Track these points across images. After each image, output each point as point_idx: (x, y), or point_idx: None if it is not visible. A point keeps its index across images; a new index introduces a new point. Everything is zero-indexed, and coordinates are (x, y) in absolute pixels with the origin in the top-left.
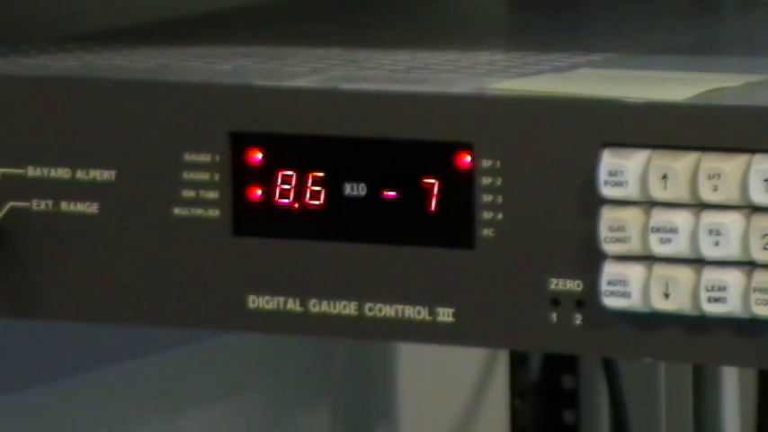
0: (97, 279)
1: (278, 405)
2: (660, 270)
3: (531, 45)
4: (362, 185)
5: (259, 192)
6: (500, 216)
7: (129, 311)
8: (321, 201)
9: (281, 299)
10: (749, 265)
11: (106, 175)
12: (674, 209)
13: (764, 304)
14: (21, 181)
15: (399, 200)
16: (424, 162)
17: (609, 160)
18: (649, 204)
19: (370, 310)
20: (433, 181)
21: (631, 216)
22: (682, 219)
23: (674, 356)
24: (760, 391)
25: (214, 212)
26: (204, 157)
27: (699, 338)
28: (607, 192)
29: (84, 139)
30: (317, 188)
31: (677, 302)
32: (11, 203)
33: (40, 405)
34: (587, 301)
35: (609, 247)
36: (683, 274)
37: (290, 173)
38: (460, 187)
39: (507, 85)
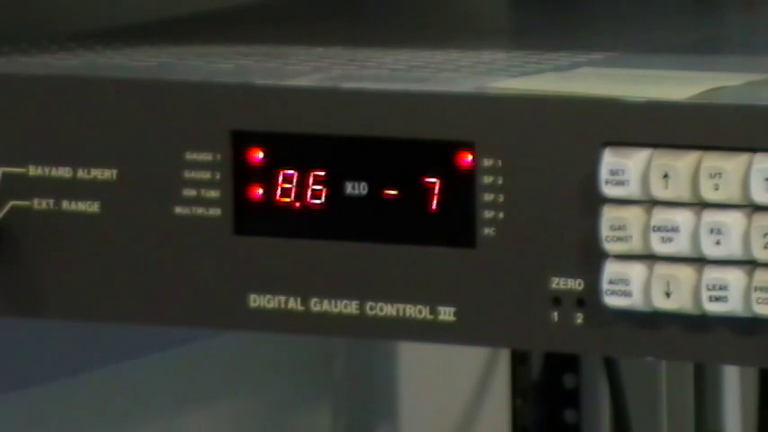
0: (98, 278)
1: (278, 405)
2: (661, 269)
3: (533, 44)
4: (364, 184)
5: (260, 191)
6: (501, 215)
7: (129, 311)
8: (322, 200)
9: (282, 298)
10: (750, 264)
11: (107, 174)
12: (675, 208)
13: (766, 303)
14: (22, 180)
15: (400, 199)
16: (426, 161)
17: (610, 159)
18: (650, 203)
19: (372, 309)
20: (434, 180)
21: (632, 215)
22: (683, 218)
23: (676, 355)
24: (761, 390)
25: (215, 211)
26: (205, 156)
27: (700, 337)
28: (608, 191)
29: (86, 138)
30: (319, 187)
31: (678, 301)
32: (12, 202)
33: (40, 405)
34: (588, 300)
35: (610, 246)
36: (685, 273)
37: (291, 172)
38: (462, 186)
39: (508, 84)
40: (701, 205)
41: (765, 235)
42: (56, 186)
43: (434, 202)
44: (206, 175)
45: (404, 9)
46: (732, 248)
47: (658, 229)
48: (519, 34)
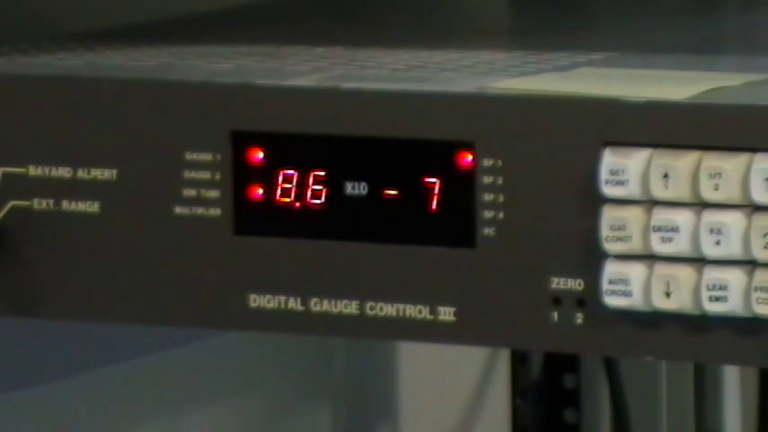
0: (98, 278)
1: (278, 405)
2: (661, 269)
3: (532, 44)
4: (364, 184)
5: (260, 191)
6: (501, 215)
7: (129, 311)
8: (322, 200)
9: (283, 298)
10: (750, 264)
11: (107, 174)
12: (675, 208)
13: (765, 303)
14: (22, 180)
15: (400, 199)
16: (426, 161)
17: (610, 159)
18: (650, 203)
19: (372, 309)
20: (434, 180)
21: (632, 215)
22: (683, 218)
23: (676, 355)
24: (761, 390)
25: (215, 211)
26: (205, 156)
27: (700, 337)
28: (608, 191)
29: (86, 138)
30: (319, 187)
31: (678, 301)
32: (12, 202)
33: (40, 405)
34: (588, 300)
35: (610, 246)
36: (685, 273)
37: (291, 172)
38: (462, 186)
39: (508, 84)
40: (701, 205)
41: (765, 235)
42: (56, 186)
43: (434, 202)
44: (206, 175)
45: (404, 9)
46: (732, 248)
47: (658, 229)
48: (519, 34)
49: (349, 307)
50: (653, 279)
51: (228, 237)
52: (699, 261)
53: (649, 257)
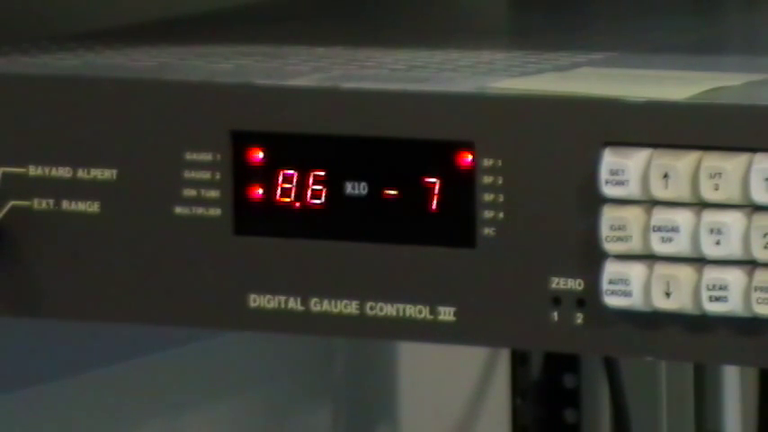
0: (98, 278)
1: (278, 405)
2: (661, 269)
3: (532, 44)
4: (364, 184)
5: (260, 191)
6: (501, 215)
7: (129, 311)
8: (322, 200)
9: (282, 298)
10: (750, 264)
11: (107, 174)
12: (675, 208)
13: (766, 303)
14: (22, 180)
15: (400, 199)
16: (426, 161)
17: (610, 159)
18: (650, 203)
19: (372, 309)
20: (434, 180)
21: (632, 215)
22: (683, 218)
23: (676, 355)
24: (761, 390)
25: (215, 211)
26: (205, 156)
27: (700, 337)
28: (608, 191)
29: (86, 138)
30: (319, 187)
31: (678, 301)
32: (12, 202)
33: (40, 404)
34: (588, 300)
35: (610, 246)
36: (685, 273)
37: (291, 172)
38: (462, 186)
39: (508, 84)
40: (701, 205)
41: (765, 235)
42: (56, 186)
43: (434, 202)
44: (206, 175)
45: (404, 9)
46: (732, 248)
47: (658, 229)
48: (519, 34)
49: (349, 307)
50: (653, 279)
51: (228, 237)
52: (699, 261)
53: (649, 257)
